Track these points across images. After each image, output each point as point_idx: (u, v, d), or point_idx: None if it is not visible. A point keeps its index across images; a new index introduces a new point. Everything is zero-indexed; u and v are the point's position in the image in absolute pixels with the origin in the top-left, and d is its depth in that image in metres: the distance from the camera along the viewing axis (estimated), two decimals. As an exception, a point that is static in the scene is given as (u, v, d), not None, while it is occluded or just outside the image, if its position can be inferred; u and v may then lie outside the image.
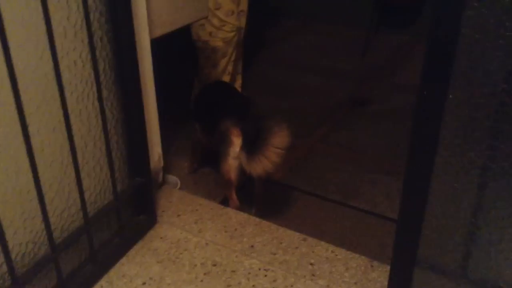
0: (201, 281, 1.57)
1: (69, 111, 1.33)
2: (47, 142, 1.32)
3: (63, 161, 1.38)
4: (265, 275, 1.59)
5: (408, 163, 1.19)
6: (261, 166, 1.89)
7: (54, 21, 1.23)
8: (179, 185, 2.29)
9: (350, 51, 4.14)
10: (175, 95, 2.85)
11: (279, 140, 1.87)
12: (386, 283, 1.44)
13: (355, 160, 2.72)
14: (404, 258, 1.32)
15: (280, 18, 4.80)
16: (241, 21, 2.79)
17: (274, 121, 1.91)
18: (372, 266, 1.63)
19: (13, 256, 1.26)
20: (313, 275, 1.60)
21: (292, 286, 1.55)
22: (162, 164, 2.04)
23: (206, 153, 2.49)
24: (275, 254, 1.68)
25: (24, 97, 1.18)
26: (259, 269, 1.62)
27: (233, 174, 2.05)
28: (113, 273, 1.59)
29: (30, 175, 1.25)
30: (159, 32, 1.84)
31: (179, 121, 2.73)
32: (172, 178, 2.30)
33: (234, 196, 2.09)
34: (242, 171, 2.02)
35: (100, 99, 1.44)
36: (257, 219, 1.88)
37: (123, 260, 1.64)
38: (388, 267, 1.42)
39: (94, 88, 1.43)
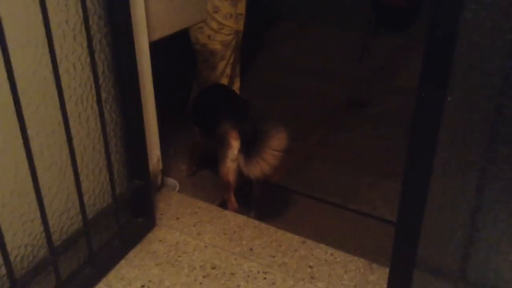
0: (200, 283, 1.57)
1: (68, 114, 1.33)
2: (46, 145, 1.32)
3: (62, 164, 1.38)
4: (264, 278, 1.59)
5: (406, 165, 1.19)
6: (259, 168, 1.89)
7: (53, 24, 1.24)
8: (178, 188, 2.29)
9: (349, 53, 4.14)
10: (174, 97, 2.85)
11: (277, 142, 1.88)
12: (385, 285, 1.44)
13: (354, 162, 2.72)
14: (403, 260, 1.32)
15: (278, 21, 4.80)
16: (239, 24, 2.80)
17: (272, 124, 1.91)
18: (371, 268, 1.63)
19: (12, 258, 1.25)
20: (312, 277, 1.60)
21: (291, 288, 1.55)
22: (161, 167, 2.04)
23: (204, 156, 2.49)
24: (274, 256, 1.68)
25: (23, 100, 1.18)
26: (258, 272, 1.62)
27: (231, 176, 2.05)
28: (112, 276, 1.59)
29: (29, 178, 1.25)
30: (157, 35, 1.84)
31: (178, 123, 2.73)
32: (171, 181, 2.30)
33: (233, 199, 2.09)
34: (240, 174, 2.02)
35: (99, 102, 1.45)
36: (256, 222, 1.88)
37: (122, 262, 1.64)
38: (387, 270, 1.42)
39: (93, 91, 1.43)
